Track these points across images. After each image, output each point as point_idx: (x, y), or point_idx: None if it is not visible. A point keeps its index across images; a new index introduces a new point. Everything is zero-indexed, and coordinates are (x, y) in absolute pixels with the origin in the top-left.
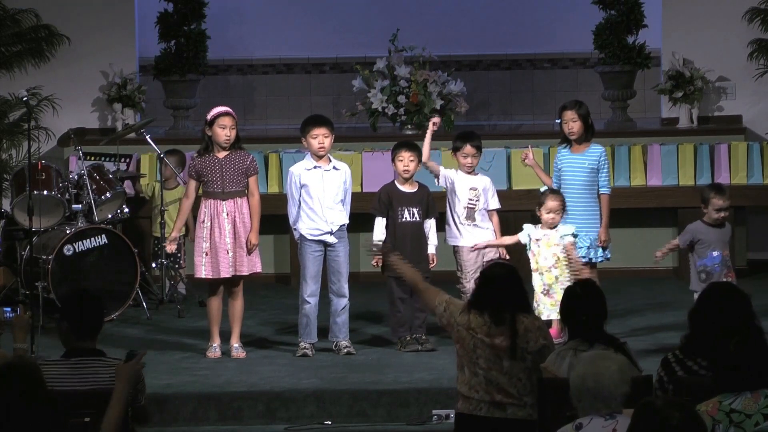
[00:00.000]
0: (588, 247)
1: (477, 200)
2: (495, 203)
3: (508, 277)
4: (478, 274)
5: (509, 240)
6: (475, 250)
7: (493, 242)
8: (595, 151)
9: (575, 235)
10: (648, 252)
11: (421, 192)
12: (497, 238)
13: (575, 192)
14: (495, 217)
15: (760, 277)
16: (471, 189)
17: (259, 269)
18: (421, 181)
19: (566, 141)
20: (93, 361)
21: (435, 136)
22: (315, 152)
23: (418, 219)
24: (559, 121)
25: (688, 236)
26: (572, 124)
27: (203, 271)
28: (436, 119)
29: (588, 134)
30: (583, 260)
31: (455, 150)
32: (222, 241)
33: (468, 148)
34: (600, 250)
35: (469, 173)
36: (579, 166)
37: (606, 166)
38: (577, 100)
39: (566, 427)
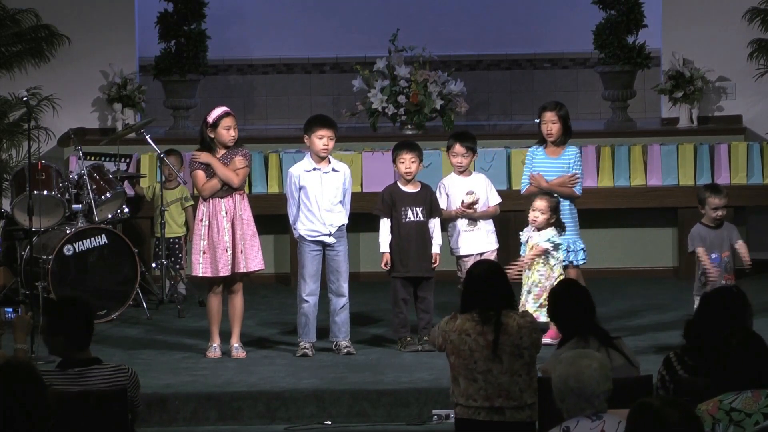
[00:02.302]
0: (567, 251)
1: (476, 202)
2: (495, 198)
3: (493, 273)
4: None
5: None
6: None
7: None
8: (571, 152)
9: (555, 246)
10: (648, 252)
11: (424, 191)
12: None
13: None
14: (493, 210)
15: (760, 277)
16: (468, 193)
17: (261, 267)
18: (424, 181)
19: (543, 141)
20: (88, 371)
21: (436, 137)
22: (317, 153)
23: (422, 218)
24: (538, 120)
25: (698, 239)
26: (552, 125)
27: (200, 270)
28: (474, 199)
29: (565, 137)
30: (564, 264)
31: (447, 149)
32: (221, 239)
33: (457, 148)
34: (580, 252)
35: (461, 173)
36: (556, 170)
37: (579, 166)
38: (557, 101)
39: (553, 431)
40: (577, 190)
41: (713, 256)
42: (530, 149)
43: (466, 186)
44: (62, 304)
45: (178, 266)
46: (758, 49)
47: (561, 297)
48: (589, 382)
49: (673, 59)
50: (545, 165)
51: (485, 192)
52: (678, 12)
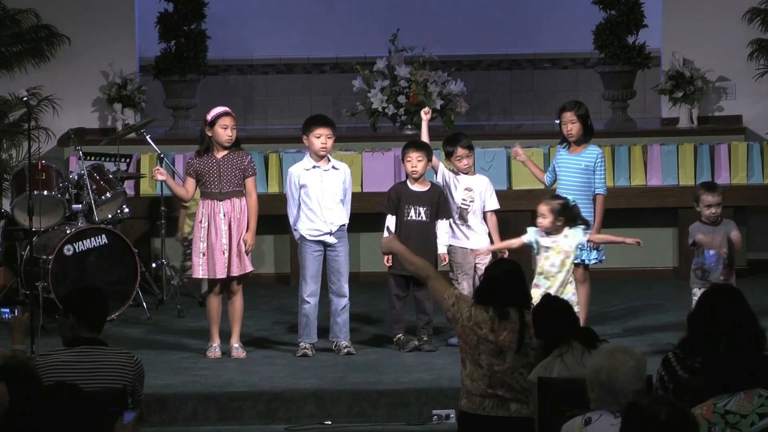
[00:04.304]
0: (581, 249)
1: (471, 201)
2: (493, 204)
3: (513, 273)
4: (470, 274)
5: (515, 243)
6: (477, 255)
7: (498, 246)
8: (592, 152)
9: (586, 232)
10: (648, 252)
11: (432, 192)
12: (500, 242)
13: (570, 192)
14: (492, 218)
15: (760, 277)
16: (466, 189)
17: (249, 269)
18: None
19: (566, 141)
20: (95, 349)
21: (436, 137)
22: (316, 152)
23: (424, 218)
24: (558, 122)
25: (691, 237)
26: (571, 125)
27: (200, 272)
28: (426, 109)
29: (587, 135)
30: (576, 261)
31: (448, 156)
32: (218, 241)
33: (459, 151)
34: (593, 252)
35: (467, 173)
36: (574, 166)
37: (602, 167)
38: (576, 100)
39: (576, 420)
40: (601, 190)
41: (711, 252)
42: (557, 149)
43: (466, 183)
44: (78, 288)
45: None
46: (758, 49)
47: (544, 313)
48: (620, 379)
49: (673, 59)
50: (567, 162)
51: (483, 194)
52: (678, 12)
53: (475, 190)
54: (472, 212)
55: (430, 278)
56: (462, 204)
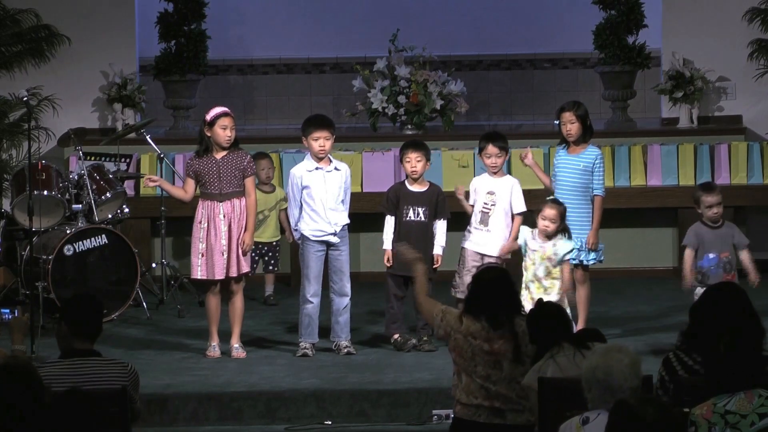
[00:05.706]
0: (579, 249)
1: (493, 205)
2: (518, 206)
3: (501, 280)
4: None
5: (514, 244)
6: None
7: (505, 248)
8: (591, 153)
9: (573, 252)
10: (648, 252)
11: (431, 192)
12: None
13: (568, 192)
14: (516, 221)
15: (760, 277)
16: (488, 193)
17: (246, 270)
18: (433, 181)
19: (565, 142)
20: (89, 362)
21: (437, 136)
22: (315, 154)
23: (423, 219)
24: (557, 122)
25: (692, 237)
26: (570, 125)
27: (199, 272)
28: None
29: (586, 135)
30: (574, 262)
31: (480, 150)
32: (218, 242)
33: (490, 148)
34: (591, 253)
35: (494, 174)
36: (573, 167)
37: (601, 168)
38: (575, 101)
39: (573, 419)
40: (600, 191)
41: (711, 255)
42: (557, 150)
43: (489, 186)
44: (74, 296)
45: (272, 267)
46: (758, 49)
47: (537, 319)
48: (616, 376)
49: (673, 59)
50: (566, 163)
51: (507, 196)
52: (678, 12)
53: (497, 193)
54: (494, 216)
55: (420, 303)
56: (483, 208)
